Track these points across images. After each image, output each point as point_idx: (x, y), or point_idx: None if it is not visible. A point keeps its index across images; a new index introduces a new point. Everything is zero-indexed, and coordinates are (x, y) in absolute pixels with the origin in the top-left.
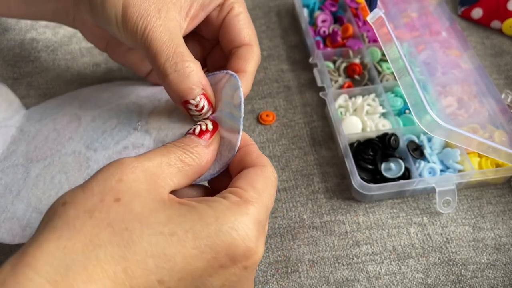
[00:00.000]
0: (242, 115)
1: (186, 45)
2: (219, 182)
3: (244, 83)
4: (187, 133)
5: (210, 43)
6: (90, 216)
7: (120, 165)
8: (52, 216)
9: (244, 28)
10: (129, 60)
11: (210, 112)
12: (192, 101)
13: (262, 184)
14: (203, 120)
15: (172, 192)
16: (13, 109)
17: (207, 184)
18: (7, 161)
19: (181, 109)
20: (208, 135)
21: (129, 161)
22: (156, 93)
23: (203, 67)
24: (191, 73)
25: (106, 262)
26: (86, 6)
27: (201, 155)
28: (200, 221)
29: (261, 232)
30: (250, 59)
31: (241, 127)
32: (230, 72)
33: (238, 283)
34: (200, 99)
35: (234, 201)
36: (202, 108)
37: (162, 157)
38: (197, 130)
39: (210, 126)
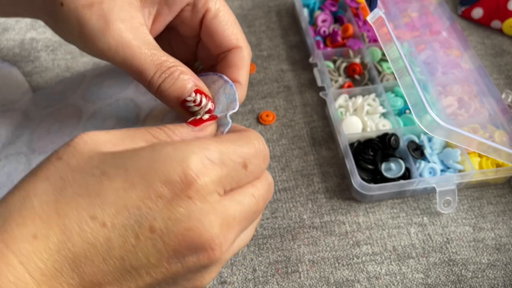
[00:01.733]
0: (230, 124)
1: (168, 44)
2: None
3: (239, 93)
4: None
5: (193, 40)
6: (33, 175)
7: (74, 136)
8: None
9: (227, 29)
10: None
11: (210, 103)
12: (189, 98)
13: (228, 136)
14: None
15: None
16: (21, 92)
17: None
18: (11, 147)
19: (181, 112)
20: (200, 123)
21: (84, 133)
22: None
23: (192, 62)
24: (180, 74)
25: (40, 207)
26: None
27: (181, 133)
28: (133, 156)
29: (208, 166)
30: (242, 65)
31: (226, 130)
32: (225, 78)
33: (187, 217)
34: (196, 93)
35: (183, 137)
36: (201, 101)
37: (124, 131)
38: (190, 119)
39: (205, 116)
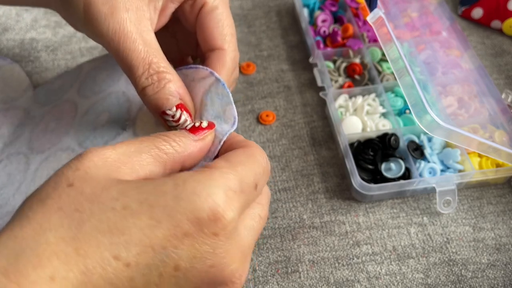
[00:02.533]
0: (233, 130)
1: (173, 37)
2: None
3: None
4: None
5: (195, 35)
6: (42, 204)
7: (80, 156)
8: (16, 212)
9: (217, 27)
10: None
11: (188, 122)
12: (168, 112)
13: (239, 158)
14: (200, 120)
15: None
16: (22, 89)
17: None
18: (12, 147)
19: (159, 119)
20: (200, 131)
21: (89, 151)
22: None
23: (193, 58)
24: (167, 84)
25: (56, 245)
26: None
27: (185, 144)
28: (156, 190)
29: (232, 197)
30: (221, 69)
31: (224, 138)
32: (216, 74)
33: (212, 255)
34: (177, 109)
35: (198, 169)
36: (179, 119)
37: (131, 146)
38: (189, 126)
39: (204, 124)
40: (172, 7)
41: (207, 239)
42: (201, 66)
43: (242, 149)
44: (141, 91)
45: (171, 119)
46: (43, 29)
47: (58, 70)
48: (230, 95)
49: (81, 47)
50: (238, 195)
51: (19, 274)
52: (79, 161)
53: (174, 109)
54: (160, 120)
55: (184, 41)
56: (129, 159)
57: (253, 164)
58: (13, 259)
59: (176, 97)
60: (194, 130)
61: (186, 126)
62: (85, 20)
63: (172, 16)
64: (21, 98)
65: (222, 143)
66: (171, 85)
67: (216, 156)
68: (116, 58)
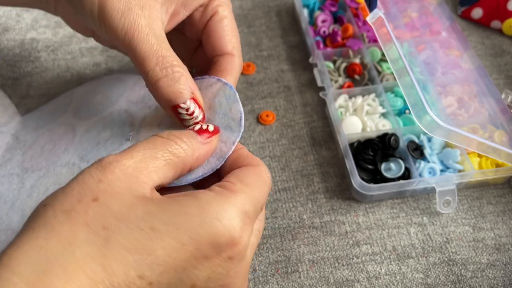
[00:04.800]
0: (242, 129)
1: (170, 44)
2: (206, 186)
3: None
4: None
5: (194, 43)
6: (68, 216)
7: (100, 165)
8: (32, 218)
9: (226, 35)
10: (117, 45)
11: (201, 116)
12: (182, 105)
13: (251, 180)
14: (206, 123)
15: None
16: (8, 115)
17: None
18: (2, 169)
19: (170, 115)
20: (207, 134)
21: (109, 161)
22: (145, 98)
23: (188, 67)
24: (181, 77)
25: (84, 261)
26: None
27: (194, 146)
28: (182, 212)
29: (247, 223)
30: (231, 72)
31: (238, 140)
32: (223, 80)
33: (225, 276)
34: (191, 102)
35: (219, 191)
36: (193, 112)
37: (146, 151)
38: (197, 127)
39: (211, 128)
40: (183, 14)
41: (223, 262)
42: (207, 76)
43: (252, 169)
44: (155, 83)
45: (185, 112)
46: (43, 29)
47: (58, 71)
48: (237, 95)
49: (81, 47)
50: (251, 219)
51: None
52: (102, 172)
53: (188, 102)
54: (171, 115)
55: (179, 52)
56: (145, 166)
57: (263, 186)
58: (40, 272)
59: (189, 91)
60: (201, 132)
61: (197, 122)
62: (99, 16)
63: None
64: (8, 124)
65: (235, 144)
66: (184, 79)
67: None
68: (129, 52)
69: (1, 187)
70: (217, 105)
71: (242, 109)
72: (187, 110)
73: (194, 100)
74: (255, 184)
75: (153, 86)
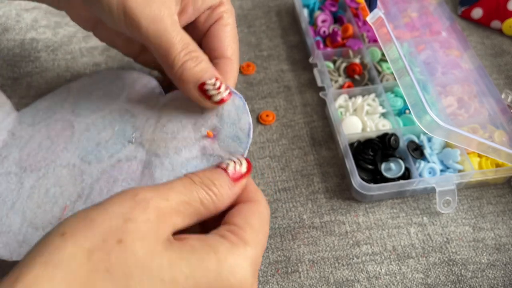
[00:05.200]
0: (250, 141)
1: None
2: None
3: None
4: (218, 166)
5: None
6: (89, 258)
7: (134, 201)
8: (47, 246)
9: (228, 40)
10: (117, 42)
11: (228, 91)
12: (208, 82)
13: (258, 222)
14: (238, 158)
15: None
16: (4, 111)
17: None
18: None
19: (195, 96)
20: (239, 177)
21: (144, 198)
22: (147, 98)
23: None
24: (204, 59)
25: None
26: None
27: (223, 197)
28: (201, 266)
29: (256, 269)
30: (231, 75)
31: (246, 152)
32: (232, 89)
33: None
34: (216, 79)
35: (234, 242)
36: (220, 86)
37: (182, 196)
38: (230, 168)
39: (244, 168)
40: (190, 16)
41: None
42: None
43: (256, 207)
44: (182, 65)
45: (211, 87)
46: (43, 29)
47: (58, 71)
48: (246, 106)
49: (81, 47)
50: (259, 265)
51: None
52: (133, 209)
53: (214, 79)
54: (195, 96)
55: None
56: (177, 211)
57: (266, 226)
58: None
59: (214, 69)
60: (235, 177)
61: (222, 99)
62: (123, 11)
63: None
64: (4, 121)
65: (244, 156)
66: (207, 61)
67: None
68: (154, 41)
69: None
70: (225, 113)
71: (251, 120)
72: (213, 85)
73: (218, 78)
74: (260, 226)
75: (179, 69)
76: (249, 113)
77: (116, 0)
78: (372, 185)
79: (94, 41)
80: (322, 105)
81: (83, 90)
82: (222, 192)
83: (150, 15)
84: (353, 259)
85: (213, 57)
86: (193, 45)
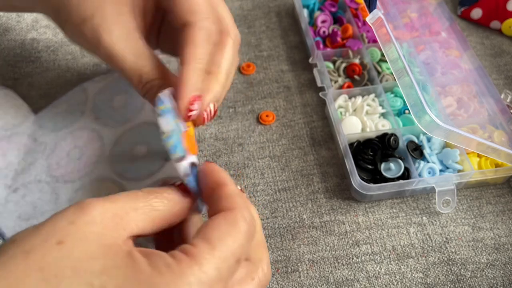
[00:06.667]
0: (172, 155)
1: (158, 40)
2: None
3: (179, 82)
4: (168, 184)
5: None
6: (26, 257)
7: (79, 206)
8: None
9: None
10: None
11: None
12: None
13: (221, 233)
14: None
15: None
16: (21, 115)
17: None
18: (26, 174)
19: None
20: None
21: (89, 202)
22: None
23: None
24: (159, 89)
25: None
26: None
27: (175, 201)
28: (132, 278)
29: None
30: (188, 42)
31: (181, 172)
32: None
33: None
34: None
35: (178, 258)
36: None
37: (128, 200)
38: (178, 182)
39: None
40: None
41: None
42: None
43: (223, 217)
44: (143, 97)
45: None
46: (44, 29)
47: (58, 71)
48: (164, 105)
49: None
50: (219, 282)
51: None
52: (77, 213)
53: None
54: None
55: (166, 43)
56: (126, 213)
57: (235, 236)
58: None
59: (168, 93)
60: (181, 185)
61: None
62: (90, 48)
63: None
64: (22, 124)
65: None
66: (161, 90)
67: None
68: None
69: (32, 195)
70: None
71: (164, 124)
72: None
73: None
74: (222, 237)
75: (144, 97)
76: (162, 118)
77: (81, 38)
78: (372, 185)
79: None
80: (322, 105)
81: (102, 94)
82: (173, 197)
83: (104, 55)
84: (352, 258)
85: (180, 22)
86: (147, 73)
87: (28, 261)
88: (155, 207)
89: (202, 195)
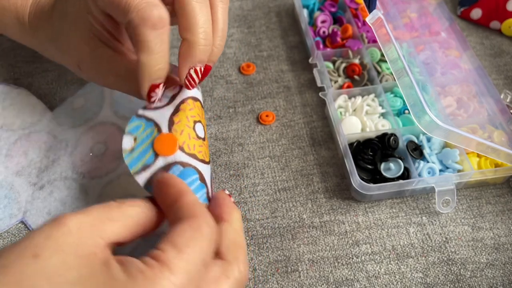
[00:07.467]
0: (128, 166)
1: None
2: None
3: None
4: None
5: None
6: (3, 272)
7: (55, 220)
8: None
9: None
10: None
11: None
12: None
13: (186, 238)
14: None
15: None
16: (38, 112)
17: None
18: (51, 172)
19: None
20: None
21: (65, 216)
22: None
23: None
24: (159, 4)
25: None
26: None
27: (148, 207)
28: (108, 285)
29: None
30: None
31: (140, 180)
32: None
33: None
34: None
35: (149, 264)
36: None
37: (102, 210)
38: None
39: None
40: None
41: None
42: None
43: (188, 224)
44: (137, 13)
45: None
46: None
47: (58, 71)
48: (129, 125)
49: None
50: (197, 280)
51: None
52: (52, 227)
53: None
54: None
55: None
56: (101, 223)
57: (201, 242)
58: None
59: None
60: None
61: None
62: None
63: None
64: (40, 122)
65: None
66: (162, 6)
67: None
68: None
69: (59, 192)
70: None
71: (123, 145)
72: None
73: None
74: (190, 243)
75: (134, 15)
76: (127, 137)
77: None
78: (372, 185)
79: None
80: (322, 105)
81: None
82: (147, 204)
83: None
84: (352, 258)
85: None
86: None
87: (5, 276)
88: (129, 214)
89: (161, 205)
